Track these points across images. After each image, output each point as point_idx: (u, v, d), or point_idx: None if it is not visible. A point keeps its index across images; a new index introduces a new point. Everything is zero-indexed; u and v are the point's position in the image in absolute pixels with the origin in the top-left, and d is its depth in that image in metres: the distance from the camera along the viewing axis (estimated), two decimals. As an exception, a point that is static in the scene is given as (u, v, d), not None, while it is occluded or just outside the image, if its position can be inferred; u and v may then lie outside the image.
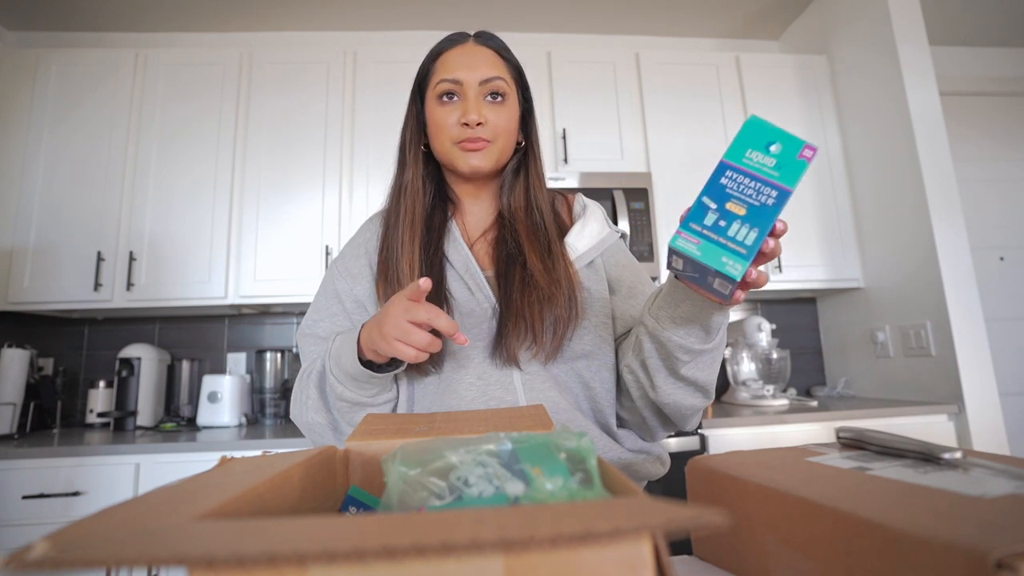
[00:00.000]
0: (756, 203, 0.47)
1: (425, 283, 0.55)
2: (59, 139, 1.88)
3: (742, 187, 0.48)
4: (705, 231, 0.48)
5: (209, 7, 2.17)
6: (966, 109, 2.50)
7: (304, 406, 0.68)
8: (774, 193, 0.47)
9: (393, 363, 0.63)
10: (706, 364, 0.61)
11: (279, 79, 1.98)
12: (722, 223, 0.47)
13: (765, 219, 0.47)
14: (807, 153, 0.47)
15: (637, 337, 0.64)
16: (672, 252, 0.50)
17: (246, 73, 1.98)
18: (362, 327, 0.62)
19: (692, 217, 0.48)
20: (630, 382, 0.67)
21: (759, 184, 0.47)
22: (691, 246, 0.48)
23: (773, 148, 0.48)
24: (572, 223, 0.76)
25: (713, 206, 0.48)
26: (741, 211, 0.47)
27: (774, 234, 0.48)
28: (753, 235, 0.47)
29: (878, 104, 1.96)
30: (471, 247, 0.73)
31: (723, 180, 0.49)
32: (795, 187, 0.47)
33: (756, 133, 0.49)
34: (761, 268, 0.49)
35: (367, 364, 0.61)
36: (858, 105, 2.06)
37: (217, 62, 1.97)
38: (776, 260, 1.99)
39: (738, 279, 0.46)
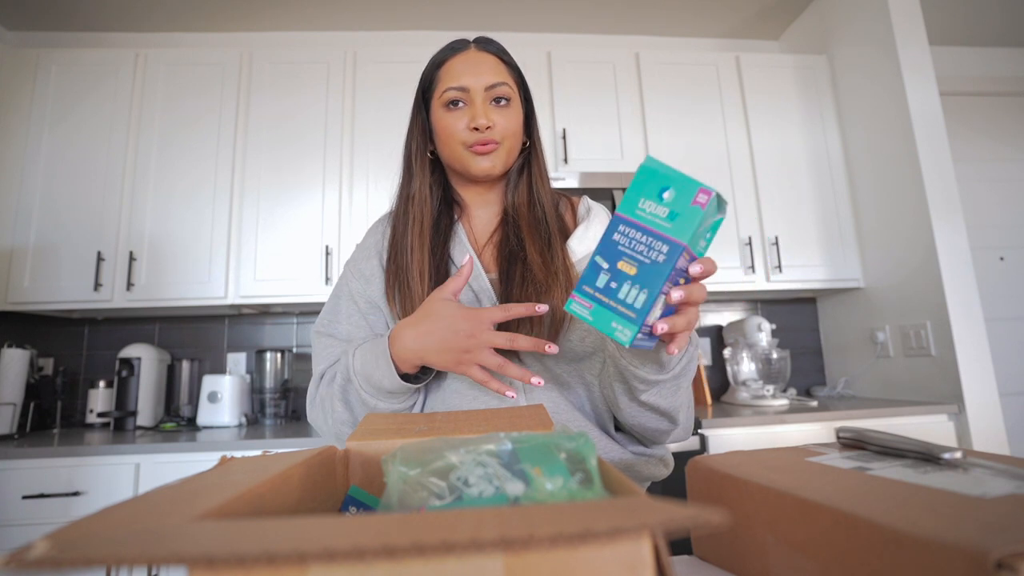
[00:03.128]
0: (647, 260, 0.43)
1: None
2: (59, 139, 1.88)
3: (633, 243, 0.44)
4: (597, 294, 0.45)
5: (209, 7, 2.17)
6: (966, 109, 2.50)
7: (330, 418, 0.68)
8: (664, 248, 0.43)
9: (425, 369, 0.66)
10: (668, 392, 0.61)
11: (279, 79, 1.98)
12: (613, 284, 0.44)
13: (655, 278, 0.43)
14: (701, 198, 0.42)
15: (605, 357, 0.65)
16: None
17: (246, 73, 1.98)
18: (390, 339, 0.62)
19: (585, 279, 0.45)
20: (605, 398, 0.68)
21: (650, 239, 0.43)
22: (584, 311, 0.45)
23: (666, 195, 0.43)
24: (577, 225, 0.76)
25: (605, 266, 0.45)
26: (632, 271, 0.44)
27: (693, 279, 0.45)
28: (643, 297, 0.43)
29: (878, 104, 1.96)
30: (479, 253, 0.74)
31: (616, 236, 0.45)
32: (688, 240, 0.42)
33: (650, 179, 0.44)
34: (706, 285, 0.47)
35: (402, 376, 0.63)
36: (858, 105, 2.06)
37: (217, 62, 1.97)
38: (776, 260, 2.00)
39: (627, 345, 0.43)
